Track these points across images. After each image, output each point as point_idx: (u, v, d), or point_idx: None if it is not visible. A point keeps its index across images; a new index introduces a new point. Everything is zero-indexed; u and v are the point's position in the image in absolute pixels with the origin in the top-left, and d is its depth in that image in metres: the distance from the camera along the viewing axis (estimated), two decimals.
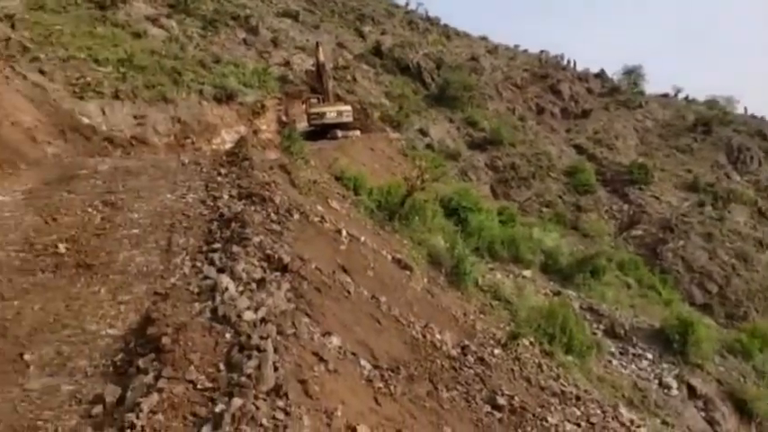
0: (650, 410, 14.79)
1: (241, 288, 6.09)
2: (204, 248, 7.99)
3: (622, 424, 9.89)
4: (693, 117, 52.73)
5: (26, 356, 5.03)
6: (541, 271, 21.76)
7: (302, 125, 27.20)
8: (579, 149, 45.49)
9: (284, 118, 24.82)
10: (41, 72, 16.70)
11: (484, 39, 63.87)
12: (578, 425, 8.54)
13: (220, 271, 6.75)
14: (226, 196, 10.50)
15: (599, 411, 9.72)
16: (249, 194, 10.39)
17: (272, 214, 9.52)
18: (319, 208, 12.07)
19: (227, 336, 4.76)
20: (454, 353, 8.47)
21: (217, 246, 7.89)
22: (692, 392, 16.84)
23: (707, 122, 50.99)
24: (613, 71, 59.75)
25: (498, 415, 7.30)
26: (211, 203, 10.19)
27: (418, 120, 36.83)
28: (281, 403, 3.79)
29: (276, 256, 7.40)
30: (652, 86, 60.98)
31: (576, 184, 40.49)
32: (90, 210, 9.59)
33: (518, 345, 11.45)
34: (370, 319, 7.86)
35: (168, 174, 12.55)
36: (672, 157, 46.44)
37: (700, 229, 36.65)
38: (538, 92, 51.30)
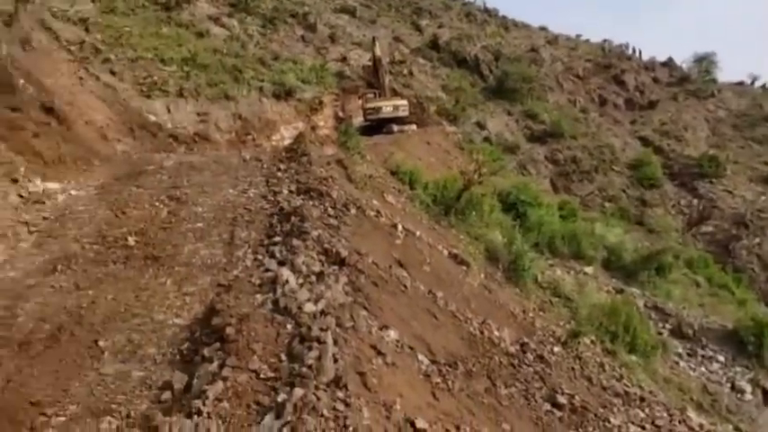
0: (721, 415, 14.07)
1: (301, 281, 6.19)
2: (265, 242, 8.19)
3: (691, 428, 9.44)
4: None
5: (101, 343, 5.31)
6: (603, 268, 21.05)
7: (359, 120, 27.35)
8: (645, 142, 43.60)
9: (341, 113, 25.02)
10: (112, 72, 17.52)
11: (543, 29, 62.23)
12: (643, 427, 8.23)
13: (281, 264, 6.89)
14: (285, 191, 10.70)
15: (665, 414, 9.32)
16: (308, 189, 10.55)
17: (330, 209, 9.64)
18: (375, 202, 12.11)
19: (289, 327, 4.85)
20: (512, 350, 8.32)
21: (277, 239, 8.06)
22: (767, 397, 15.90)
23: None
24: (683, 59, 56.98)
25: (558, 414, 7.12)
26: (272, 198, 10.42)
27: (475, 113, 36.34)
28: (340, 394, 3.83)
29: (334, 249, 7.49)
30: (726, 75, 57.76)
31: (641, 177, 38.83)
32: (157, 204, 10.00)
33: (579, 343, 11.13)
34: (426, 314, 7.83)
35: (230, 169, 12.91)
36: (747, 149, 43.81)
37: None
38: (600, 83, 49.51)
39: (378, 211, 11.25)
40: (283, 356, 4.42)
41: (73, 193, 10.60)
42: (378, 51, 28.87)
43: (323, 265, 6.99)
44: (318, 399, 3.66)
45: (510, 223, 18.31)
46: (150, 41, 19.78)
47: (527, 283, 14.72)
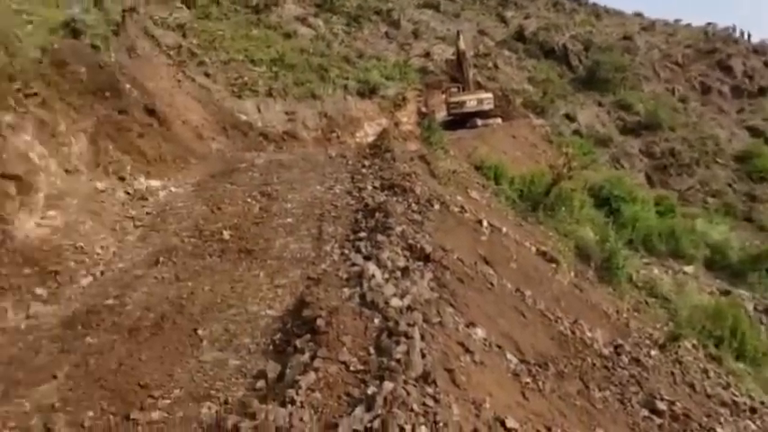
0: None
1: (386, 275, 6.22)
2: (351, 237, 8.31)
3: None
4: None
5: (199, 332, 5.60)
6: (705, 267, 19.66)
7: (442, 115, 27.17)
8: (754, 132, 40.20)
9: (424, 109, 24.97)
10: (206, 75, 18.45)
11: (638, 15, 58.93)
12: None
13: (367, 258, 6.96)
14: (370, 187, 10.82)
15: None
16: (391, 185, 10.60)
17: (413, 204, 9.63)
18: (459, 198, 11.97)
19: (376, 321, 4.88)
20: (606, 352, 7.94)
21: (363, 234, 8.17)
22: None
23: None
24: None
25: (658, 421, 6.71)
26: (357, 194, 10.57)
27: (564, 104, 35.07)
28: (429, 390, 3.81)
29: (418, 245, 7.47)
30: None
31: (750, 170, 35.83)
32: (249, 200, 10.42)
33: (679, 347, 10.44)
34: (514, 313, 7.63)
35: (317, 166, 13.23)
36: None
37: None
38: (703, 69, 46.16)
39: (462, 207, 11.11)
40: (372, 350, 4.46)
41: (173, 189, 11.25)
42: (462, 45, 28.52)
43: (407, 260, 6.99)
44: (408, 393, 3.65)
45: (602, 219, 17.51)
46: (241, 44, 20.65)
47: (621, 283, 14.02)
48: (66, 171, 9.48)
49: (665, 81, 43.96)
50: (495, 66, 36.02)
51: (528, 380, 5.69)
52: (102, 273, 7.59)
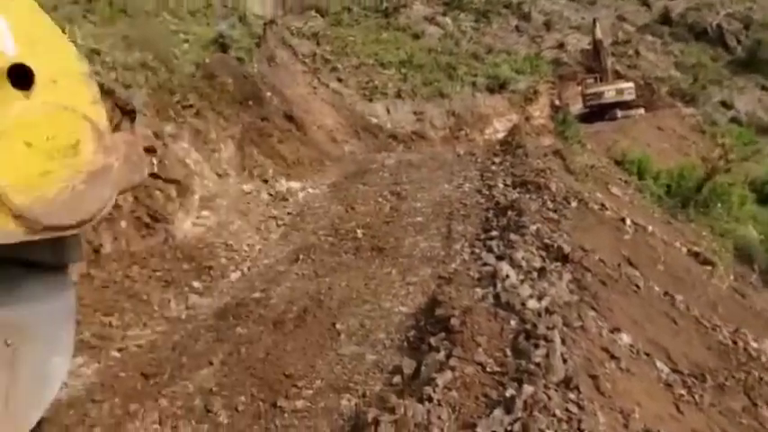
0: None
1: (521, 276, 6.02)
2: (482, 236, 8.18)
3: None
4: None
5: (337, 326, 5.82)
6: None
7: (577, 107, 25.89)
8: None
9: (557, 102, 23.93)
10: (339, 80, 19.21)
11: None
12: None
13: (499, 258, 6.80)
14: (501, 185, 10.59)
15: None
16: (524, 182, 10.28)
17: (549, 202, 9.24)
18: (598, 195, 11.27)
19: (512, 323, 4.73)
20: None
21: (494, 233, 8.00)
22: None
23: None
24: None
25: None
26: (487, 192, 10.40)
27: (719, 91, 31.67)
28: (572, 396, 3.60)
29: (555, 244, 7.14)
30: None
31: None
32: (380, 200, 10.67)
33: None
34: (664, 318, 7.01)
35: (445, 165, 13.22)
36: None
37: None
38: None
39: (602, 204, 10.45)
40: (508, 352, 4.33)
41: (310, 190, 11.87)
42: (598, 33, 26.99)
43: (544, 260, 6.71)
44: (549, 398, 3.48)
45: (766, 217, 15.55)
46: (371, 48, 21.22)
47: None
48: (218, 175, 10.37)
49: None
50: (637, 53, 33.49)
51: (682, 391, 5.18)
52: (249, 268, 8.19)
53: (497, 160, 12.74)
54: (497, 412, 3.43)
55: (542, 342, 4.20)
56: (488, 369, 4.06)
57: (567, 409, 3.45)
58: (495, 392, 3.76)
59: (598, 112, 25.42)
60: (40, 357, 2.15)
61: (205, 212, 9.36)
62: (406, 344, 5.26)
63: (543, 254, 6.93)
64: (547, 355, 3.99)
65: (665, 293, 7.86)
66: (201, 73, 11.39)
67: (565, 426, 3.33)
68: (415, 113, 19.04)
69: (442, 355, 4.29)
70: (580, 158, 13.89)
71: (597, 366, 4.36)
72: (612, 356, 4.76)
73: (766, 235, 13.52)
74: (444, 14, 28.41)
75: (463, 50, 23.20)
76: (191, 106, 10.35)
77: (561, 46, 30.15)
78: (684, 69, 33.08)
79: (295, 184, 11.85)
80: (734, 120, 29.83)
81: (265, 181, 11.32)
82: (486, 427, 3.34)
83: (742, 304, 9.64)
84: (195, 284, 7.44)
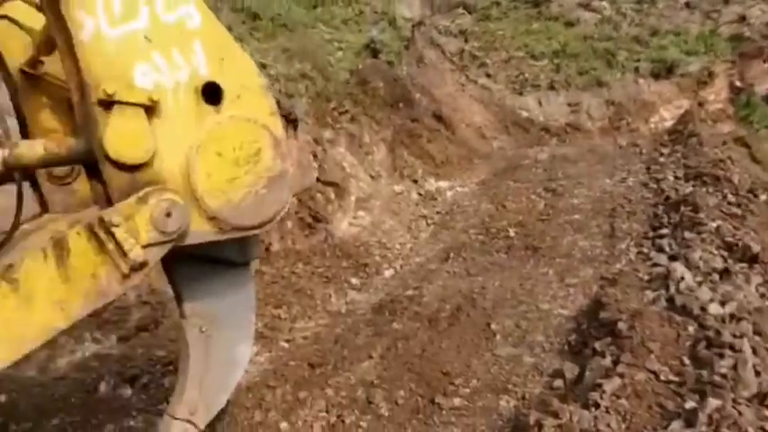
0: None
1: (699, 278, 5.45)
2: (650, 234, 7.60)
3: None
4: None
5: (492, 326, 5.73)
6: None
7: (764, 88, 22.74)
8: None
9: (738, 83, 21.19)
10: (487, 75, 18.90)
11: None
12: None
13: (672, 258, 6.25)
14: (671, 178, 9.73)
15: None
16: (699, 174, 9.32)
17: (730, 195, 8.26)
18: None
19: (690, 329, 4.30)
20: None
21: (665, 231, 7.38)
22: None
23: None
24: None
25: None
26: (654, 186, 9.64)
27: None
28: None
29: (740, 243, 6.36)
30: None
31: None
32: (533, 197, 10.33)
33: None
34: None
35: (605, 158, 12.43)
36: None
37: None
38: None
39: None
40: (686, 360, 3.93)
41: (459, 189, 11.86)
42: None
43: (726, 261, 6.01)
44: (740, 414, 3.09)
45: None
46: (521, 40, 20.59)
47: None
48: (371, 176, 10.79)
49: None
50: None
51: None
52: (401, 266, 8.41)
53: (666, 151, 11.69)
54: (676, 425, 3.13)
55: (728, 352, 3.75)
56: (663, 378, 3.72)
57: (762, 428, 3.04)
58: (672, 403, 3.43)
59: None
60: (229, 344, 2.39)
61: (360, 213, 9.79)
62: (566, 347, 5.03)
63: (725, 254, 6.23)
64: (735, 367, 3.55)
65: None
66: (355, 79, 11.92)
67: None
68: (569, 105, 18.11)
69: (608, 361, 4.01)
70: None
71: None
72: None
73: None
74: None
75: (623, 35, 21.47)
76: (346, 112, 10.89)
77: (743, 19, 26.59)
78: None
79: (444, 183, 11.93)
80: None
81: (415, 181, 11.54)
82: None
83: None
84: (353, 281, 7.80)
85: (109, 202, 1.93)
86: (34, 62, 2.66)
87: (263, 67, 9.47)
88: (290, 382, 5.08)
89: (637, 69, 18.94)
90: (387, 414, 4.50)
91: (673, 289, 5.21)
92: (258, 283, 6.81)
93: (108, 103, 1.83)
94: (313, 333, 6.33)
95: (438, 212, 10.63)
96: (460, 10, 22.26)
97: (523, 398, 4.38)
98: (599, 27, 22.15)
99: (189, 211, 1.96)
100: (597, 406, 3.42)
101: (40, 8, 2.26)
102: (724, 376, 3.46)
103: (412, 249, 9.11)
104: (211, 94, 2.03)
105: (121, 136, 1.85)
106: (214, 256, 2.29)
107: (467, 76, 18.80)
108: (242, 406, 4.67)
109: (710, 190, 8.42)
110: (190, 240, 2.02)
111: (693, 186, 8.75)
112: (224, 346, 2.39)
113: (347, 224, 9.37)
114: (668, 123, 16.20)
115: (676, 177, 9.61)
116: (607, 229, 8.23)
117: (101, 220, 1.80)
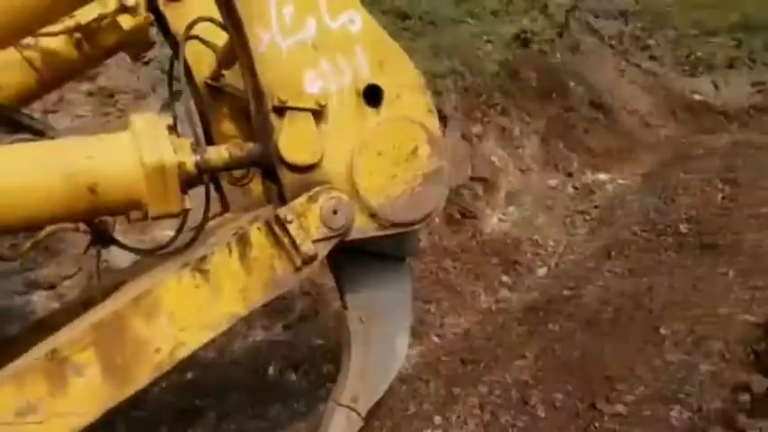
0: None
1: None
2: None
3: None
4: None
5: (661, 330, 5.28)
6: None
7: None
8: None
9: None
10: (652, 58, 17.34)
11: None
12: None
13: None
14: None
15: None
16: None
17: None
18: None
19: None
20: None
21: None
22: None
23: None
24: None
25: None
26: None
27: None
28: None
29: None
30: None
31: None
32: (708, 189, 9.36)
33: None
34: None
35: None
36: None
37: None
38: None
39: None
40: None
41: (620, 182, 11.10)
42: None
43: None
44: None
45: None
46: (693, 15, 18.59)
47: None
48: (521, 171, 10.50)
49: None
50: None
51: None
52: (555, 264, 8.07)
53: None
54: None
55: None
56: None
57: None
58: None
59: None
60: (388, 335, 2.49)
61: (510, 208, 9.58)
62: (752, 357, 4.47)
63: None
64: None
65: None
66: (505, 71, 11.67)
67: None
68: (753, 85, 16.01)
69: None
70: None
71: None
72: None
73: None
74: None
75: None
76: (496, 105, 10.72)
77: None
78: None
79: (602, 176, 11.26)
80: None
81: (570, 174, 11.02)
82: None
83: None
84: (503, 278, 7.65)
85: (282, 201, 2.10)
86: (217, 75, 2.99)
87: None
88: (442, 377, 5.13)
89: None
90: (543, 416, 4.36)
91: None
92: None
93: (281, 110, 2.01)
94: (463, 329, 6.32)
95: (596, 207, 10.04)
96: None
97: (699, 410, 3.97)
98: None
99: (353, 208, 2.08)
100: None
101: (224, 27, 2.53)
102: None
103: (567, 247, 8.71)
104: (372, 95, 2.13)
105: (293, 140, 2.02)
106: (374, 250, 2.39)
107: (627, 60, 17.45)
108: (396, 397, 4.82)
109: None
110: (353, 236, 2.14)
111: None
112: (383, 336, 2.48)
113: (496, 220, 9.21)
114: None
115: None
116: None
117: (276, 217, 1.98)
